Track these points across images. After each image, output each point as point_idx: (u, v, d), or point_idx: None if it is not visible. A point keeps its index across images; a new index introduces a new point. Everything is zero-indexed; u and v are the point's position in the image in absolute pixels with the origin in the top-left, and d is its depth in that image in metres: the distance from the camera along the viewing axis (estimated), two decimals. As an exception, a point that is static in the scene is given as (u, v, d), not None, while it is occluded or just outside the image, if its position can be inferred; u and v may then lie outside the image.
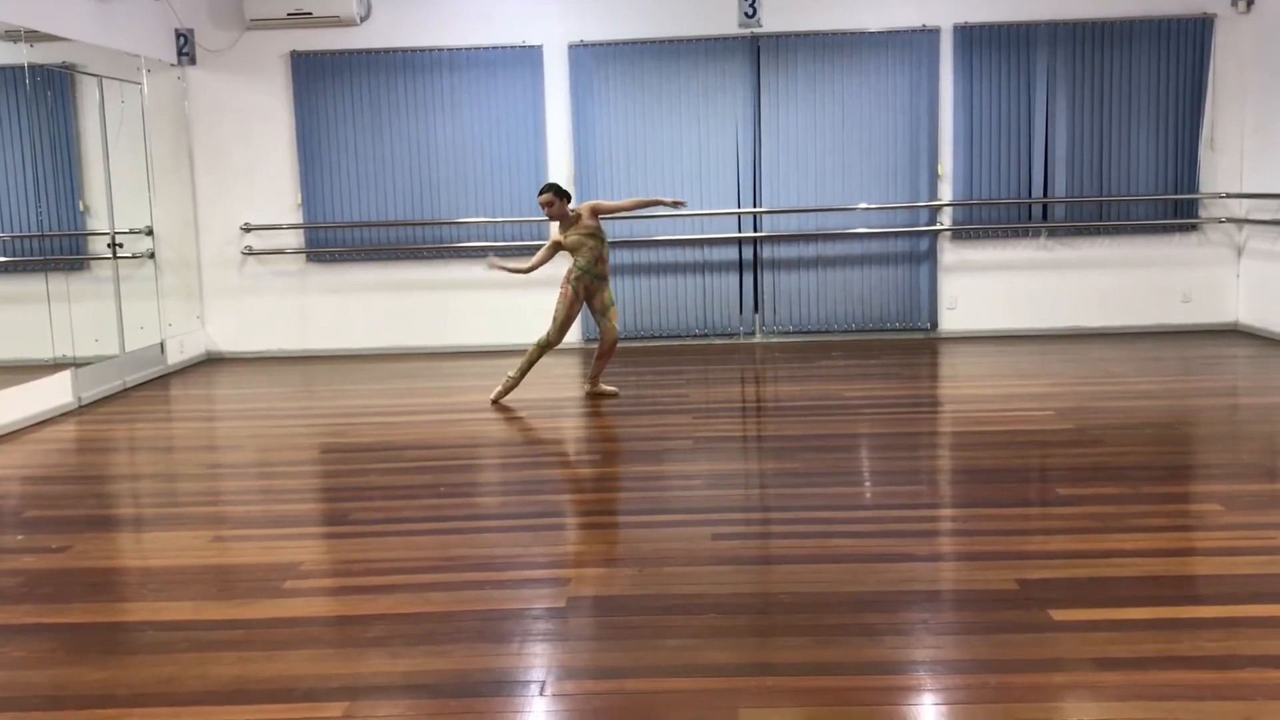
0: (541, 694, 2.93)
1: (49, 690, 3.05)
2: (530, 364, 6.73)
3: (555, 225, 6.91)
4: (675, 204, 6.74)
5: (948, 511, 4.40)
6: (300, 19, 8.58)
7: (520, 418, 6.46)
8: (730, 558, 3.93)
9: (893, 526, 4.23)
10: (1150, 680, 2.85)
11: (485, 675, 3.05)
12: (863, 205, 8.79)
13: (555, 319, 6.63)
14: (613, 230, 8.86)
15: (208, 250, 9.05)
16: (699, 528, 4.27)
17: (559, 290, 6.69)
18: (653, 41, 8.72)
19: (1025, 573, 3.64)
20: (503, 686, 2.98)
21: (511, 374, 6.79)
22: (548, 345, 6.67)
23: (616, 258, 8.85)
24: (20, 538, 4.47)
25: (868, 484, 4.87)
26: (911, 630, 3.23)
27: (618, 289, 8.91)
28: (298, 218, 8.96)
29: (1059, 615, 3.28)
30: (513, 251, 8.93)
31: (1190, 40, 8.63)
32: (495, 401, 6.75)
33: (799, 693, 2.86)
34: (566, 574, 3.83)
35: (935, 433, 5.87)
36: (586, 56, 8.76)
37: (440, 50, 8.76)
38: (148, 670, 3.15)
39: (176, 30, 8.71)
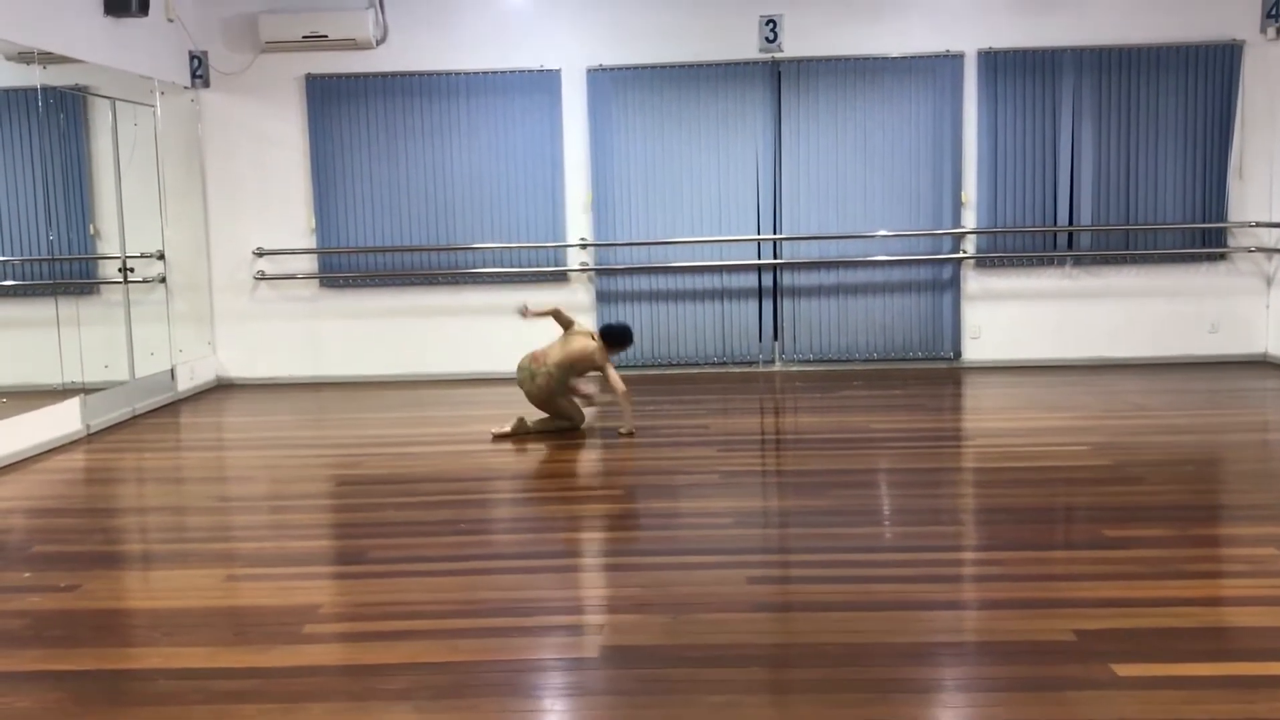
0: (579, 755, 2.76)
1: (56, 746, 2.89)
2: (549, 430, 6.62)
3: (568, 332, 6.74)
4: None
5: (991, 554, 4.22)
6: (315, 41, 8.48)
7: (538, 449, 6.29)
8: (768, 604, 3.76)
9: (935, 570, 4.06)
10: (1231, 746, 2.68)
11: (518, 733, 2.88)
12: (884, 232, 8.65)
13: (563, 411, 6.61)
14: (628, 256, 8.74)
15: (219, 275, 8.92)
16: (732, 570, 4.10)
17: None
18: (672, 66, 8.60)
19: (1080, 623, 3.46)
20: (537, 746, 2.82)
21: (530, 423, 6.62)
22: (575, 427, 6.64)
23: (634, 283, 8.74)
24: (27, 575, 4.31)
25: (904, 524, 4.69)
26: (968, 686, 3.06)
27: (635, 313, 8.77)
28: (311, 242, 8.83)
29: (1122, 670, 3.10)
30: (528, 279, 8.80)
31: (1218, 67, 8.49)
32: (498, 437, 6.57)
33: (855, 757, 2.69)
34: (597, 620, 3.66)
35: (969, 468, 5.70)
36: (605, 81, 8.65)
37: (457, 74, 8.65)
38: (160, 724, 2.98)
39: (190, 52, 8.61)
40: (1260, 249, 8.61)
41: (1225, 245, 8.68)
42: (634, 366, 8.79)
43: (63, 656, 3.49)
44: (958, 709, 2.93)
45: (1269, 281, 8.68)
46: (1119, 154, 8.57)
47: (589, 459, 6.12)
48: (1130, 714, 2.86)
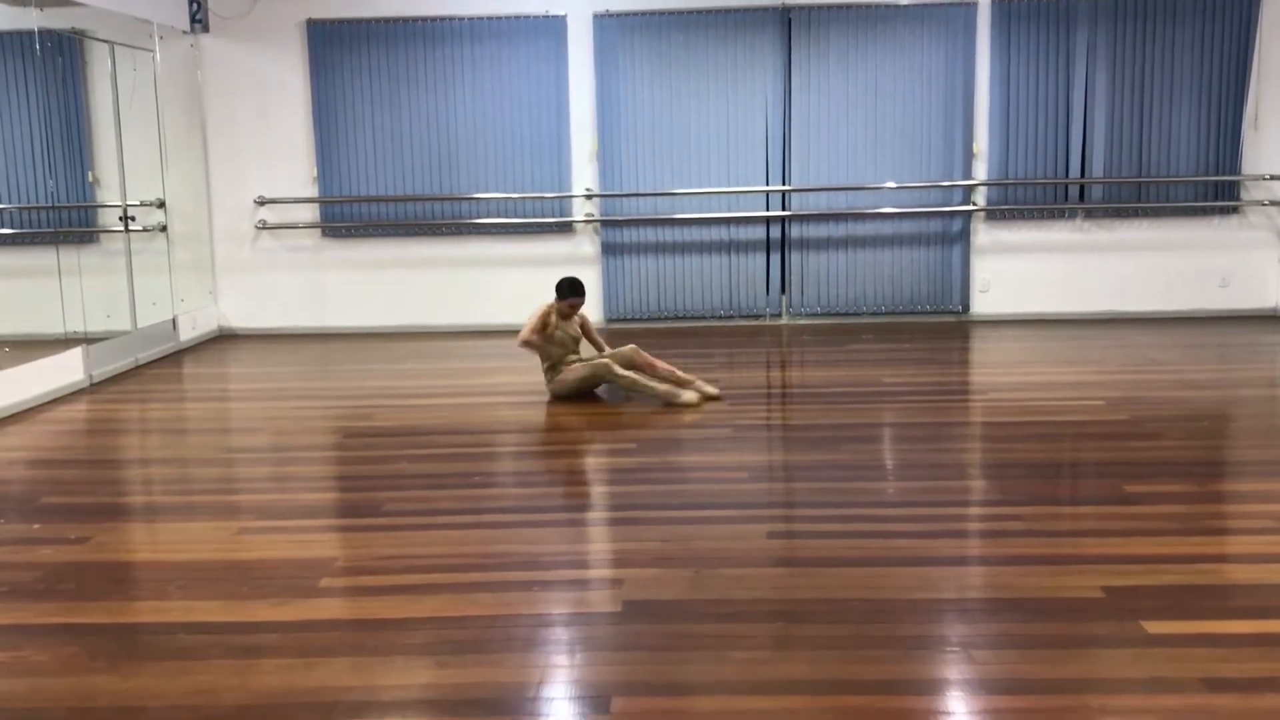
0: (605, 712, 2.72)
1: (75, 701, 2.84)
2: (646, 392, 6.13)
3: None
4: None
5: (1012, 510, 4.18)
6: (317, -15, 8.31)
7: (548, 402, 6.23)
8: (789, 559, 3.72)
9: (956, 526, 4.02)
10: (1269, 705, 2.63)
11: (543, 690, 2.84)
12: (893, 184, 8.55)
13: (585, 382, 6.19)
14: (634, 207, 8.64)
15: (220, 224, 8.80)
16: (752, 525, 4.06)
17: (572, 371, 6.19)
18: (681, 12, 8.44)
19: (1109, 579, 3.42)
20: (563, 704, 2.77)
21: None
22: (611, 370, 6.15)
23: (640, 235, 8.66)
24: (37, 527, 4.26)
25: (921, 479, 4.64)
26: (999, 643, 3.01)
27: (641, 265, 8.69)
28: (313, 191, 8.71)
29: (1153, 628, 3.07)
30: (533, 230, 8.70)
31: (1235, 16, 8.35)
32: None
33: (888, 714, 2.65)
34: (618, 574, 3.62)
35: (983, 423, 5.65)
36: (612, 27, 8.49)
37: (461, 19, 8.49)
38: (181, 679, 2.93)
39: (189, -4, 8.44)
40: (1273, 202, 8.52)
41: (1238, 198, 8.58)
42: (640, 320, 8.73)
43: (77, 609, 3.45)
44: (986, 666, 2.89)
45: (1281, 235, 8.61)
46: (1133, 105, 8.45)
47: (600, 412, 6.05)
48: (1164, 672, 2.82)
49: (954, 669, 2.88)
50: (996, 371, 7.05)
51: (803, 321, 8.78)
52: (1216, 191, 8.59)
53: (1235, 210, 8.60)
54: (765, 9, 8.42)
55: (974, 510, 4.22)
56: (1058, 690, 2.74)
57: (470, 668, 2.96)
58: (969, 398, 6.25)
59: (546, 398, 6.26)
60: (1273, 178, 8.48)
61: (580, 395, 6.22)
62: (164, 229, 8.20)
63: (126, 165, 7.72)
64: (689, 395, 6.02)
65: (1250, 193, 8.59)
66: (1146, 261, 8.67)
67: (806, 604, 3.33)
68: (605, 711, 2.72)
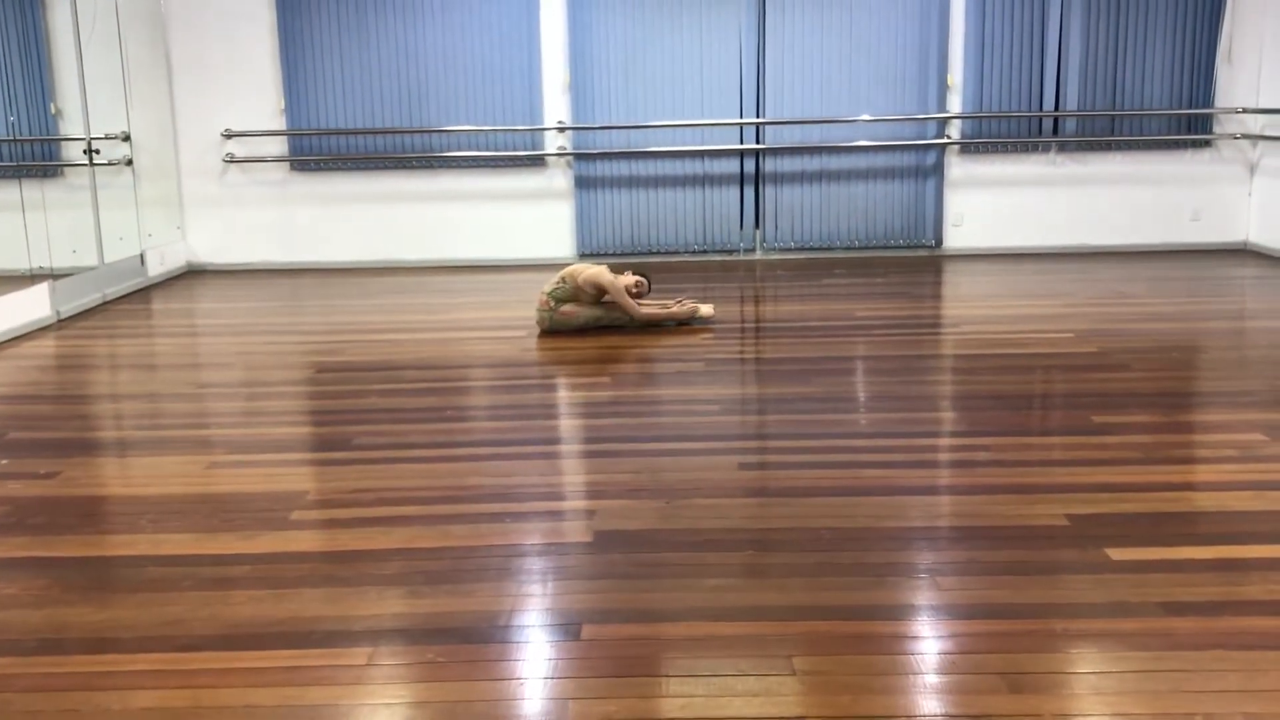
0: (576, 639, 2.75)
1: (47, 632, 2.84)
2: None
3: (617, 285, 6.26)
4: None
5: (982, 440, 4.22)
6: (281, -89, 8.11)
7: (520, 337, 6.22)
8: (761, 489, 3.74)
9: (924, 456, 4.06)
10: (1226, 627, 2.69)
11: (515, 618, 2.86)
12: (868, 117, 8.50)
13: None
14: (608, 140, 8.56)
15: (187, 157, 8.67)
16: (723, 456, 4.08)
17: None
18: (654, -59, 8.31)
19: (1073, 507, 3.47)
20: (535, 631, 2.80)
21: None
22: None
23: (613, 168, 8.58)
24: (5, 462, 4.23)
25: (891, 410, 4.68)
26: (965, 570, 3.06)
27: (614, 199, 8.63)
28: (281, 124, 8.59)
29: (1115, 554, 3.12)
30: (504, 164, 8.61)
31: (1212, -53, 8.30)
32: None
33: (856, 639, 2.69)
34: (590, 505, 3.64)
35: (954, 355, 5.68)
36: (584, -44, 8.35)
37: (430, -53, 8.33)
38: (151, 610, 2.94)
39: (150, -78, 8.23)
40: (1245, 135, 8.53)
41: (1210, 132, 8.59)
42: (613, 255, 8.69)
43: (48, 543, 3.44)
44: (953, 592, 2.93)
45: (1252, 169, 8.63)
46: (1107, 37, 8.41)
47: (572, 346, 6.05)
48: (1125, 597, 2.88)
49: (921, 595, 2.92)
50: (968, 305, 7.07)
51: (776, 256, 8.77)
52: (1189, 125, 8.59)
53: (1207, 144, 8.62)
54: (739, -63, 8.30)
55: (943, 441, 4.25)
56: (1021, 615, 2.79)
57: (442, 598, 2.98)
58: (940, 331, 6.27)
59: (519, 333, 6.26)
60: (1245, 111, 8.48)
61: (568, 330, 6.26)
62: (130, 163, 8.06)
63: (89, 97, 7.57)
64: (706, 309, 6.47)
65: (1223, 126, 8.60)
66: (1118, 195, 8.69)
67: (777, 533, 3.37)
68: (576, 638, 2.75)
